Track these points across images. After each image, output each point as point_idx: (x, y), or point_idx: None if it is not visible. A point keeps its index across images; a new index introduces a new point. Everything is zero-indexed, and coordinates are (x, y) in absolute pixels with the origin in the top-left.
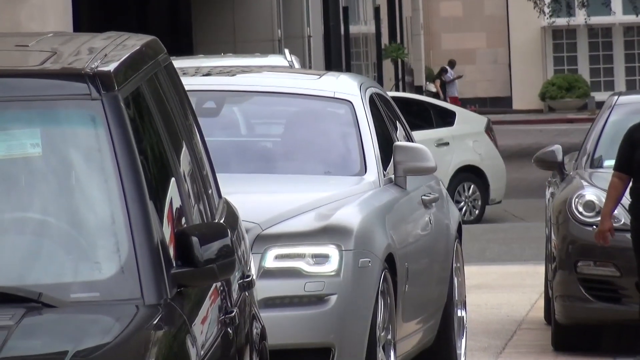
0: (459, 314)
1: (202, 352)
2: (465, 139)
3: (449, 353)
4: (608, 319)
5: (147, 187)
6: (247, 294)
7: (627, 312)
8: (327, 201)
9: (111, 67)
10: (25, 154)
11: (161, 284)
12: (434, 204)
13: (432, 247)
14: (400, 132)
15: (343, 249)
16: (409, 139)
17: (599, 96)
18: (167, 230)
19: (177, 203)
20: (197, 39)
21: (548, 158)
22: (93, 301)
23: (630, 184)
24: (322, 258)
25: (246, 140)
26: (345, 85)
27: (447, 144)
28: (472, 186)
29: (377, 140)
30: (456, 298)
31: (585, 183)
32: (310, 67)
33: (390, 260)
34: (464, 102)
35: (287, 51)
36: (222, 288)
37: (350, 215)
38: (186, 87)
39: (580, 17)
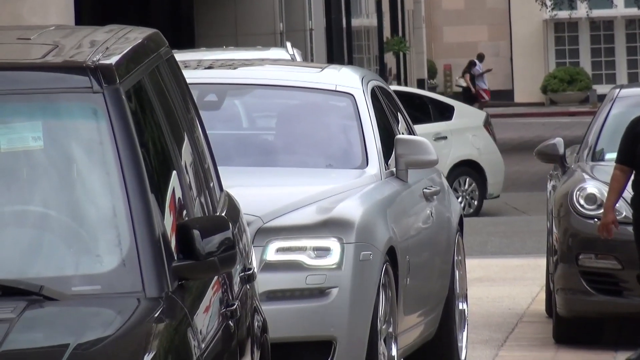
0: (460, 307)
1: (203, 345)
2: (464, 133)
3: (450, 346)
4: (609, 311)
5: (148, 180)
6: (248, 287)
7: (628, 305)
8: (329, 194)
9: (113, 60)
10: (26, 147)
11: (162, 277)
12: (435, 197)
13: (434, 240)
14: (402, 125)
15: (344, 242)
16: (411, 132)
17: (600, 89)
18: (168, 223)
19: (178, 196)
20: (199, 32)
21: (549, 151)
22: (94, 294)
23: (632, 176)
24: (323, 251)
25: (248, 134)
26: (347, 78)
27: (445, 138)
28: (469, 180)
29: (379, 133)
30: (457, 291)
31: (586, 176)
32: (312, 60)
33: (391, 253)
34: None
35: (289, 44)
36: (223, 281)
37: (352, 208)
38: (188, 80)
39: (582, 10)
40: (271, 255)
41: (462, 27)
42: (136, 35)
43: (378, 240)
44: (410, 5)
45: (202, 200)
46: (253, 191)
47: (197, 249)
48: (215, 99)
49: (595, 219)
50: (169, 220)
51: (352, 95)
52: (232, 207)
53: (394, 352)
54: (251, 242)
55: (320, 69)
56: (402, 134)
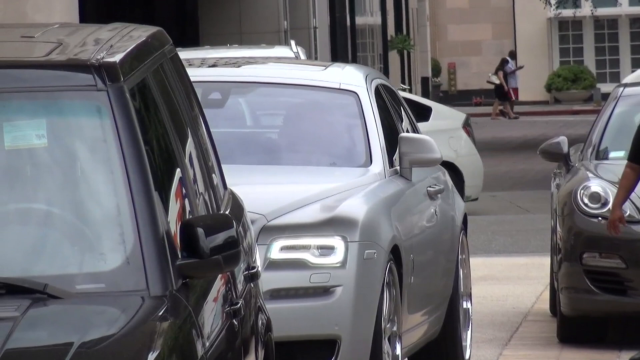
0: (465, 306)
1: (207, 344)
2: (441, 135)
3: (454, 345)
4: (613, 311)
5: (152, 178)
6: (252, 285)
7: (632, 304)
8: (333, 192)
9: (117, 58)
10: (30, 144)
11: (166, 275)
12: (439, 195)
13: (438, 238)
14: (405, 123)
15: (348, 240)
16: (415, 130)
17: (604, 88)
18: (172, 221)
19: (182, 194)
20: (203, 30)
21: (553, 150)
22: (98, 292)
23: None
24: (327, 249)
25: (251, 132)
26: (350, 77)
27: None
28: None
29: (383, 132)
30: (461, 290)
31: (590, 175)
32: (316, 59)
33: (395, 252)
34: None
35: (293, 42)
36: (227, 279)
37: (356, 207)
38: (192, 78)
39: (586, 9)
40: (275, 253)
41: (466, 25)
42: (140, 33)
43: (382, 238)
44: (414, 3)
45: (206, 198)
46: (257, 189)
47: (201, 247)
48: (219, 97)
49: (599, 218)
50: (173, 219)
51: (356, 93)
52: (236, 205)
53: (398, 351)
54: (255, 241)
55: (324, 67)
56: (407, 132)
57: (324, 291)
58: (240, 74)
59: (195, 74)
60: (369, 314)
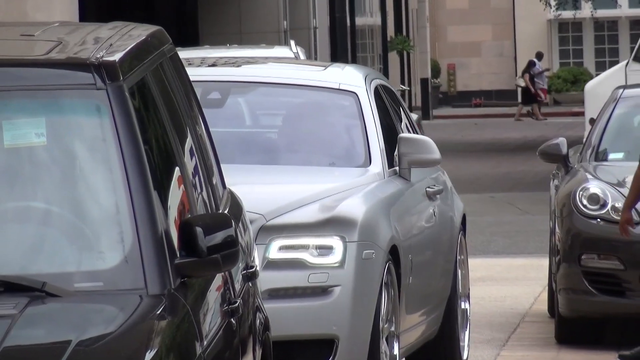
0: (463, 307)
1: (205, 343)
2: None
3: (452, 345)
4: (612, 312)
5: (151, 177)
6: (250, 284)
7: (630, 306)
8: (332, 192)
9: (116, 57)
10: (30, 143)
11: (165, 274)
12: (438, 196)
13: (436, 239)
14: (405, 123)
15: (347, 240)
16: (414, 130)
17: None
18: (171, 220)
19: (181, 193)
20: (203, 29)
21: (553, 151)
22: (96, 291)
23: None
24: (326, 249)
25: (251, 132)
26: (350, 77)
27: None
28: None
29: (382, 132)
30: (460, 290)
31: (589, 176)
32: (315, 59)
33: (394, 252)
34: (468, 95)
35: (292, 42)
36: (225, 279)
37: (355, 207)
38: (191, 78)
39: (586, 10)
40: (274, 253)
41: (466, 26)
42: (140, 32)
43: (381, 238)
44: (414, 4)
45: (205, 197)
46: (256, 189)
47: (199, 246)
48: (218, 97)
49: (598, 219)
50: (171, 217)
51: (355, 93)
52: (235, 205)
53: (395, 351)
54: (254, 240)
55: (324, 68)
56: (406, 132)
57: (322, 291)
58: (240, 74)
59: (194, 73)
60: (367, 314)
